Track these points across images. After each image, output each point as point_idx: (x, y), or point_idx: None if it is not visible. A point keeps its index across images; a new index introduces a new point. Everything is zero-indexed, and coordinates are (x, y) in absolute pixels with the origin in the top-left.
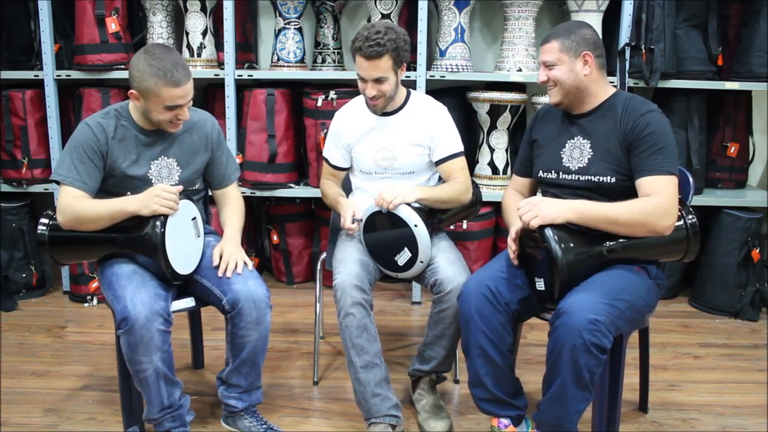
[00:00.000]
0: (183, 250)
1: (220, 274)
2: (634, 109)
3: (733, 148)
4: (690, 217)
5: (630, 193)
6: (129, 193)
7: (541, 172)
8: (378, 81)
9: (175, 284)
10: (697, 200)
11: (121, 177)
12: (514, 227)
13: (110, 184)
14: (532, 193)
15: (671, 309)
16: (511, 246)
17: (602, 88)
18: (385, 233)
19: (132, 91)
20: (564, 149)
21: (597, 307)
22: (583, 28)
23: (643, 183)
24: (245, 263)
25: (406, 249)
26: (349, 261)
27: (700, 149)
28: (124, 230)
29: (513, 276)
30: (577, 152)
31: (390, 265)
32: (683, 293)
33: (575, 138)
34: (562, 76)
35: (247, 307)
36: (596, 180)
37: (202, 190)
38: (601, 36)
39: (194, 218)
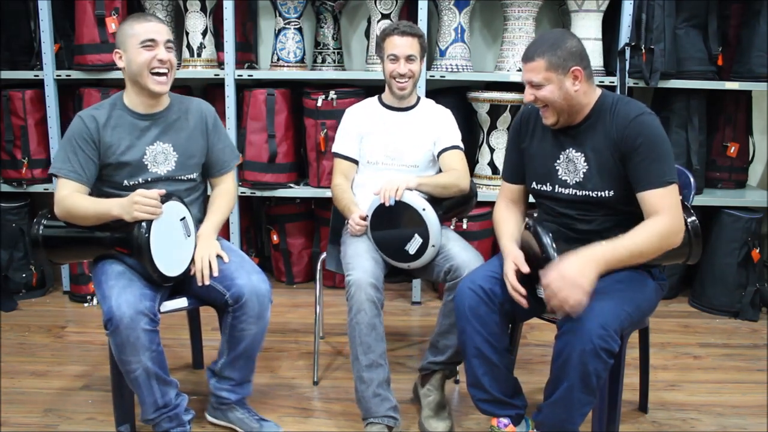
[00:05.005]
0: (171, 252)
1: (199, 283)
2: (622, 115)
3: (733, 148)
4: (691, 219)
5: (629, 202)
6: (126, 181)
7: (534, 183)
8: (410, 60)
9: (166, 285)
10: (697, 200)
11: (116, 164)
12: (511, 268)
13: (107, 173)
14: (526, 199)
15: (671, 309)
16: (514, 285)
17: (591, 96)
18: (393, 224)
19: (117, 50)
20: (558, 161)
21: (606, 312)
22: (568, 39)
23: (647, 198)
24: (221, 257)
25: (416, 236)
26: (363, 258)
27: (700, 149)
28: (113, 231)
29: None
30: (572, 166)
31: (400, 256)
32: (683, 293)
33: (568, 150)
34: (551, 96)
35: (250, 302)
36: (594, 195)
37: (200, 185)
38: (601, 36)
39: (183, 218)
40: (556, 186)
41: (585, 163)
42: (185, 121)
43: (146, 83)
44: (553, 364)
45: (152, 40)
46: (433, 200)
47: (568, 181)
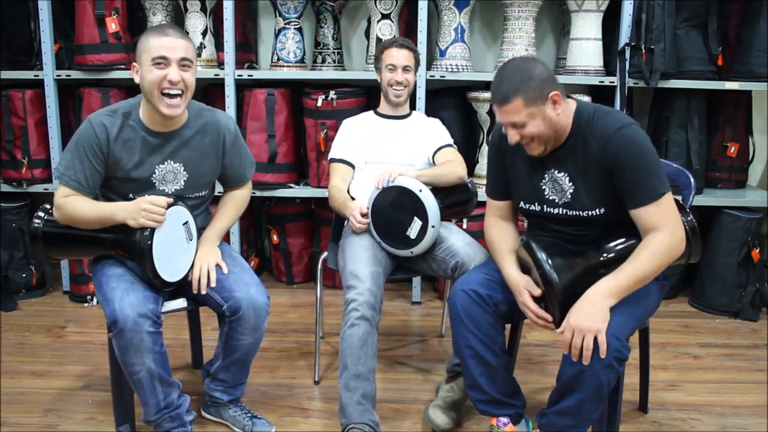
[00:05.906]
0: (172, 257)
1: (195, 291)
2: (599, 131)
3: (733, 148)
4: (688, 219)
5: (622, 214)
6: (131, 195)
7: (522, 203)
8: (406, 70)
9: (166, 290)
10: (697, 200)
11: (123, 179)
12: (529, 296)
13: (113, 185)
14: (515, 212)
15: (671, 309)
16: (539, 314)
17: (570, 114)
18: (391, 211)
19: (134, 63)
20: (543, 181)
21: (617, 322)
22: (535, 67)
23: (642, 215)
24: (220, 266)
25: (415, 218)
26: (364, 275)
27: (700, 149)
28: (114, 233)
29: (501, 279)
30: (557, 186)
31: (402, 243)
32: (683, 293)
33: (551, 170)
34: (537, 130)
35: (247, 314)
36: (585, 215)
37: (207, 198)
38: (601, 36)
39: (186, 223)
40: (545, 206)
41: (570, 183)
42: (200, 140)
43: (157, 105)
44: (562, 372)
45: (164, 58)
46: (435, 192)
47: (557, 201)
